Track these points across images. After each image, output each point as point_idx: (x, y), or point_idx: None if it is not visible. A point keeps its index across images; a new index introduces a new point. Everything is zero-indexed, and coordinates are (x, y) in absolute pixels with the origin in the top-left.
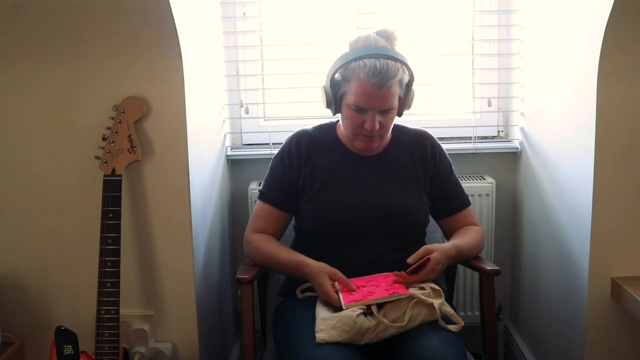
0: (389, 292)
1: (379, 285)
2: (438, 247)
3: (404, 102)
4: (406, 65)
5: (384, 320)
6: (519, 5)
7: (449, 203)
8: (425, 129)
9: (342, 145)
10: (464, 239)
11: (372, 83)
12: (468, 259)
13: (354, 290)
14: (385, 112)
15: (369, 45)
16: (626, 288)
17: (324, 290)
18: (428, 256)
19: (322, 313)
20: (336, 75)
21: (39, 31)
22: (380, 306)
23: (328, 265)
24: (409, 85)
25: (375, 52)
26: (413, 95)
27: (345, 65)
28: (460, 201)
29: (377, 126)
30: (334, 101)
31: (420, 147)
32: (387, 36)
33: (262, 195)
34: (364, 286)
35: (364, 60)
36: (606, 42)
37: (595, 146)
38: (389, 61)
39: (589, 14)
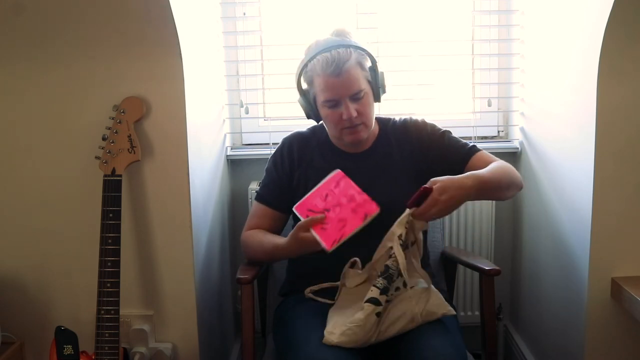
0: (360, 216)
1: (342, 205)
2: (444, 177)
3: (376, 86)
4: (361, 49)
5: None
6: (519, 5)
7: (456, 155)
8: (410, 115)
9: (332, 144)
10: (482, 169)
11: (330, 73)
12: (500, 188)
13: (323, 220)
14: (357, 98)
15: (319, 44)
16: (626, 288)
17: (307, 242)
18: (428, 187)
19: (336, 317)
20: (302, 84)
21: (40, 32)
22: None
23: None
24: (374, 68)
25: (325, 47)
26: (383, 77)
27: (303, 70)
28: (468, 148)
29: (354, 113)
30: (311, 108)
31: (405, 134)
32: (338, 33)
33: (258, 196)
34: (327, 209)
35: (316, 57)
36: (606, 42)
37: (595, 146)
38: (340, 49)
39: (589, 14)
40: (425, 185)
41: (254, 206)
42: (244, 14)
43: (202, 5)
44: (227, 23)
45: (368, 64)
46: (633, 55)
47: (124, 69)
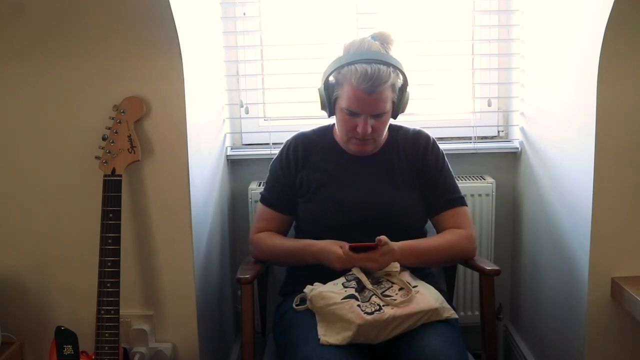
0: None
1: None
2: (393, 244)
3: (398, 106)
4: (399, 70)
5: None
6: (519, 5)
7: (438, 199)
8: (424, 129)
9: (338, 146)
10: (425, 241)
11: (363, 88)
12: (435, 263)
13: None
14: (378, 116)
15: (362, 50)
16: (626, 288)
17: (336, 255)
18: (380, 245)
19: (320, 325)
20: (330, 79)
21: (40, 31)
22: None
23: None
24: (403, 89)
25: (368, 57)
26: (408, 99)
27: (338, 69)
28: (450, 198)
29: (369, 130)
30: (328, 104)
31: (414, 147)
32: (382, 39)
33: (263, 199)
34: None
35: (355, 65)
36: (606, 42)
37: (595, 146)
38: (381, 66)
39: (589, 14)
40: (375, 244)
41: (260, 208)
42: (244, 14)
43: (202, 5)
44: (227, 23)
45: (399, 84)
46: (633, 55)
47: (124, 69)
